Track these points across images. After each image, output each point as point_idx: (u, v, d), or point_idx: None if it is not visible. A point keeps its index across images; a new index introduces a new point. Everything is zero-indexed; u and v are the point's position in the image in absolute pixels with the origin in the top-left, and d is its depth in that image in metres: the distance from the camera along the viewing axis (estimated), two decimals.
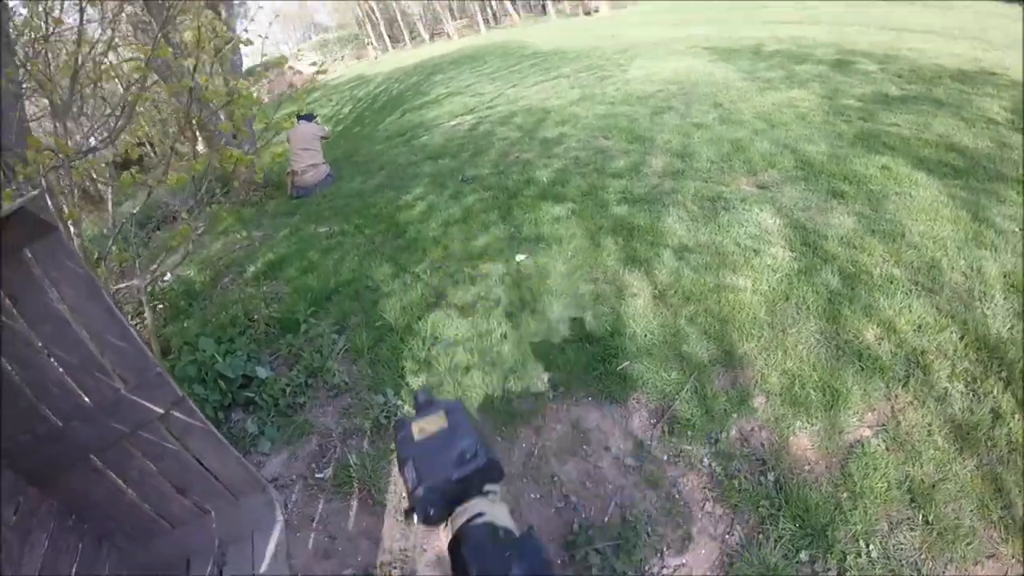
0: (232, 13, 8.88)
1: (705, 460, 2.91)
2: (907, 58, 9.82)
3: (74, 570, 2.52)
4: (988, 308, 3.52)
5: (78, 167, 4.03)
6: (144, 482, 2.70)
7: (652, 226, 4.85)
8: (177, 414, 2.60)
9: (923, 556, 2.40)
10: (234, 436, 3.46)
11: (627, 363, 3.49)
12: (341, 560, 2.82)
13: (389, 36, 39.93)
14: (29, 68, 4.34)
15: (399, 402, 3.54)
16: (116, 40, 5.94)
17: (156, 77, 5.13)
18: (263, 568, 2.73)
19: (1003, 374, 3.08)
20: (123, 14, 6.14)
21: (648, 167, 6.22)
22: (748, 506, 2.69)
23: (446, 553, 1.28)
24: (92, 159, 4.30)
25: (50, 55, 4.86)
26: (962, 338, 3.32)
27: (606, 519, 2.74)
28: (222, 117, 5.54)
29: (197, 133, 5.86)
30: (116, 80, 5.32)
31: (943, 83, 8.07)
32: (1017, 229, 4.29)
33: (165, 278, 5.54)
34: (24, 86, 4.72)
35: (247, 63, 12.03)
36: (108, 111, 5.71)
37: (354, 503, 3.05)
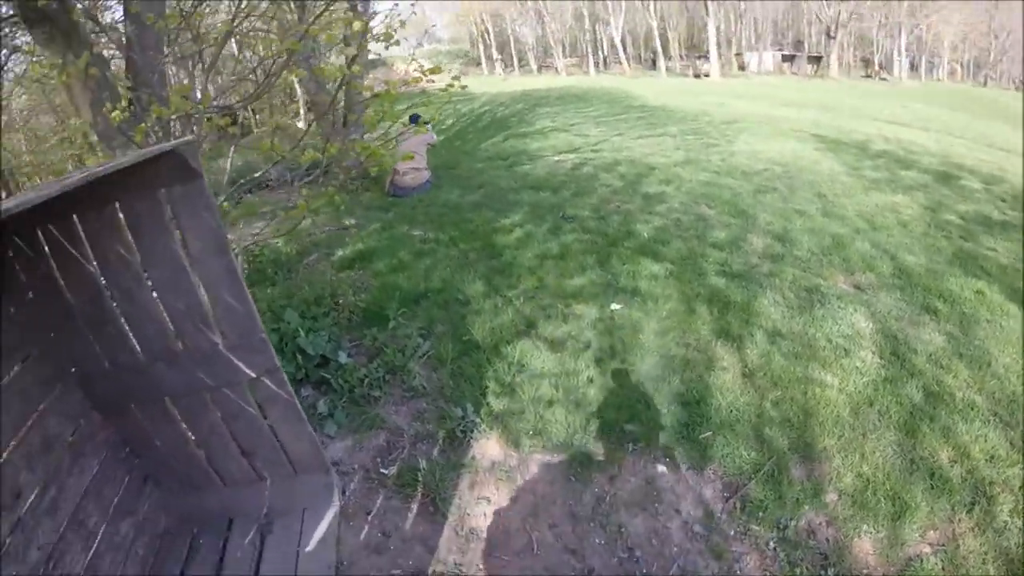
0: (367, 9, 9.19)
1: (771, 544, 2.91)
2: (1012, 182, 9.64)
3: (116, 501, 2.57)
4: None
5: (211, 120, 4.24)
6: (211, 437, 2.75)
7: (748, 304, 4.84)
8: (267, 381, 2.64)
9: None
10: None
11: (709, 433, 3.50)
12: (391, 559, 2.82)
13: (499, 60, 40.61)
14: (186, 18, 4.57)
15: (477, 419, 3.59)
16: (264, 10, 6.24)
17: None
18: (310, 547, 2.74)
19: None
20: None
21: (748, 244, 6.21)
22: None
23: None
24: (221, 117, 4.52)
25: (207, 10, 5.12)
26: None
27: None
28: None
29: (301, 111, 6.08)
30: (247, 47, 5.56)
31: None
32: None
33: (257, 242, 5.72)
34: (173, 37, 4.97)
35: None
36: (248, 75, 5.98)
37: (414, 506, 3.08)
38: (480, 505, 3.11)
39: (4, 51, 7.25)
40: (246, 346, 2.53)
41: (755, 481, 3.20)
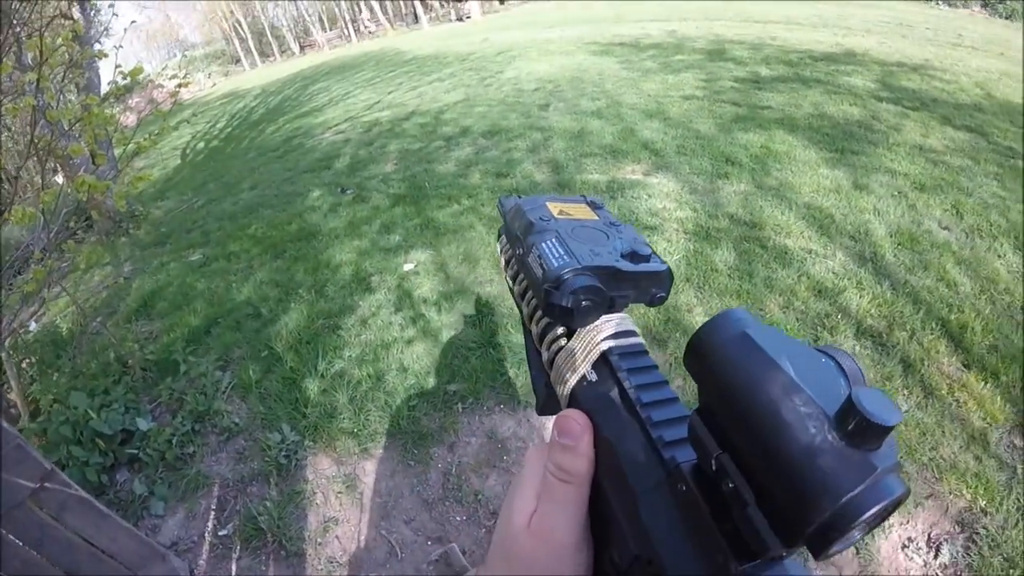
0: (90, 22, 8.08)
1: None
2: (774, 45, 10.46)
3: None
4: (880, 266, 3.72)
5: None
6: (28, 569, 2.32)
7: None
8: (49, 487, 2.22)
9: None
10: (123, 500, 3.09)
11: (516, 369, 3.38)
12: None
13: (258, 51, 38.53)
14: None
15: (297, 437, 3.25)
16: None
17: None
18: None
19: (907, 326, 3.25)
20: None
21: (537, 159, 6.18)
22: None
23: None
24: None
25: None
26: (861, 297, 3.47)
27: None
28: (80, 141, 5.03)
29: (55, 162, 5.27)
30: None
31: (811, 64, 8.64)
32: (896, 192, 4.56)
33: (30, 328, 4.98)
34: None
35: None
36: None
37: (267, 558, 2.75)
38: (329, 529, 2.82)
39: None
40: (7, 459, 2.09)
41: None
